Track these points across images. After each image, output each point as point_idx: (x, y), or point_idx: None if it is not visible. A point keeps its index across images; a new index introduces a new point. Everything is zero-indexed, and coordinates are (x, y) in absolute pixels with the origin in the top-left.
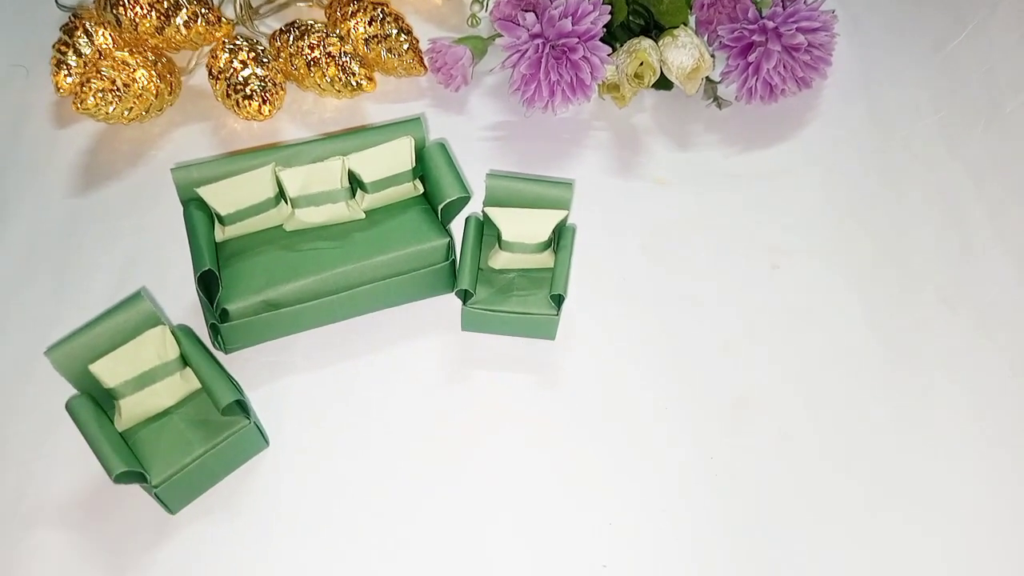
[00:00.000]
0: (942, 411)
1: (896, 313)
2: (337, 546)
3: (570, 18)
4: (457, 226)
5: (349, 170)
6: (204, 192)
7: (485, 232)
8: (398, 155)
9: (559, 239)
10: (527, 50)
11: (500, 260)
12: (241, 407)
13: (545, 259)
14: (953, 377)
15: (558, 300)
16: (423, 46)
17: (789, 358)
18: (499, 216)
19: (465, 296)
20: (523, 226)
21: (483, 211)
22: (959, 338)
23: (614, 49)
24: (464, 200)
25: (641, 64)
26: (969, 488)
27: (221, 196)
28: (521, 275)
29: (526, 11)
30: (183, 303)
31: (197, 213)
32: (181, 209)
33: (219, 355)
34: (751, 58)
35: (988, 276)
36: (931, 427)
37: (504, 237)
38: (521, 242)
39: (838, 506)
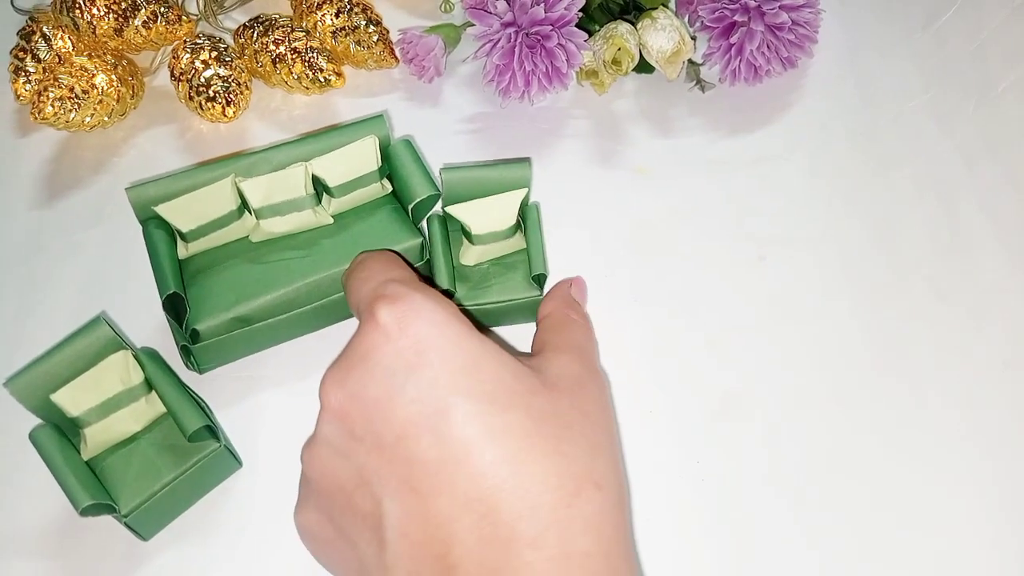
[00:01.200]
0: (934, 405)
1: (886, 304)
2: (315, 565)
3: (543, 4)
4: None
5: (313, 175)
6: (163, 210)
7: (449, 228)
8: (363, 156)
9: (524, 219)
10: (499, 39)
11: (472, 255)
12: (210, 431)
13: (515, 243)
14: (945, 370)
15: (540, 280)
16: (394, 37)
17: (777, 352)
18: (461, 212)
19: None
20: (488, 215)
21: (443, 210)
22: (951, 329)
23: (592, 33)
24: (434, 198)
25: (619, 50)
26: (962, 484)
27: (181, 212)
28: (494, 263)
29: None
30: (153, 320)
31: (157, 232)
32: None
33: (192, 375)
34: (733, 39)
35: (980, 265)
36: (922, 421)
37: (473, 231)
38: (491, 231)
39: (827, 505)
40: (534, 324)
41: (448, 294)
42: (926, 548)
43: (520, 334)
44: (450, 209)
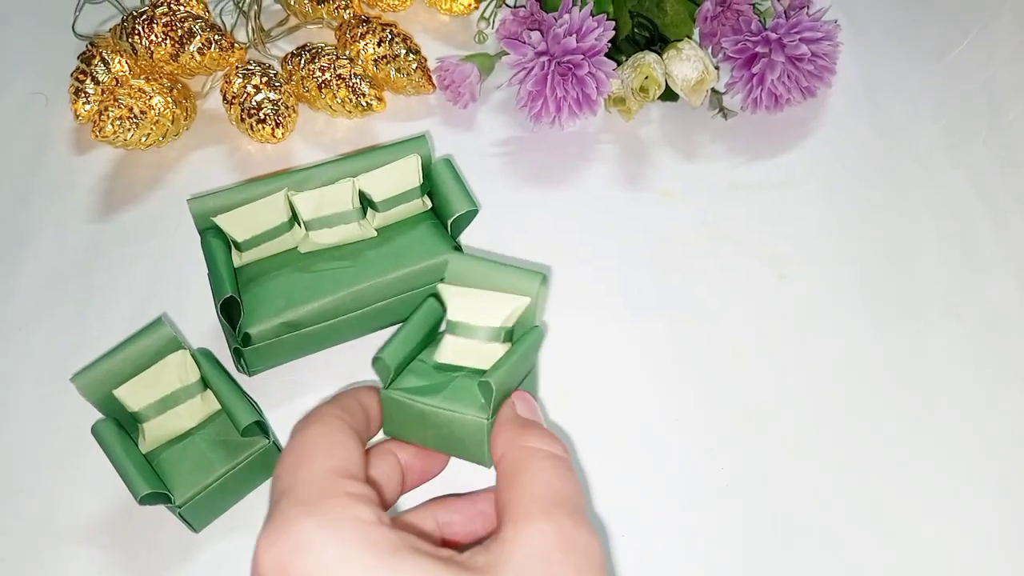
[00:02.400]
0: (949, 418)
1: (902, 323)
2: None
3: (575, 35)
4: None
5: (359, 190)
6: (220, 220)
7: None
8: (406, 173)
9: (516, 336)
10: (533, 67)
11: (447, 349)
12: (260, 427)
13: (499, 353)
14: (959, 384)
15: (486, 390)
16: (431, 64)
17: (797, 368)
18: (451, 294)
19: (390, 375)
20: (474, 305)
21: (438, 290)
22: (964, 346)
23: (620, 63)
24: (472, 213)
25: (646, 78)
26: (979, 497)
27: (237, 223)
28: (466, 376)
29: (531, 30)
30: (204, 325)
31: (214, 241)
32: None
33: (242, 377)
34: (755, 69)
35: (992, 284)
36: (938, 433)
37: (450, 317)
38: (466, 323)
39: (849, 514)
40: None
41: (394, 373)
42: (944, 556)
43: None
44: (443, 287)
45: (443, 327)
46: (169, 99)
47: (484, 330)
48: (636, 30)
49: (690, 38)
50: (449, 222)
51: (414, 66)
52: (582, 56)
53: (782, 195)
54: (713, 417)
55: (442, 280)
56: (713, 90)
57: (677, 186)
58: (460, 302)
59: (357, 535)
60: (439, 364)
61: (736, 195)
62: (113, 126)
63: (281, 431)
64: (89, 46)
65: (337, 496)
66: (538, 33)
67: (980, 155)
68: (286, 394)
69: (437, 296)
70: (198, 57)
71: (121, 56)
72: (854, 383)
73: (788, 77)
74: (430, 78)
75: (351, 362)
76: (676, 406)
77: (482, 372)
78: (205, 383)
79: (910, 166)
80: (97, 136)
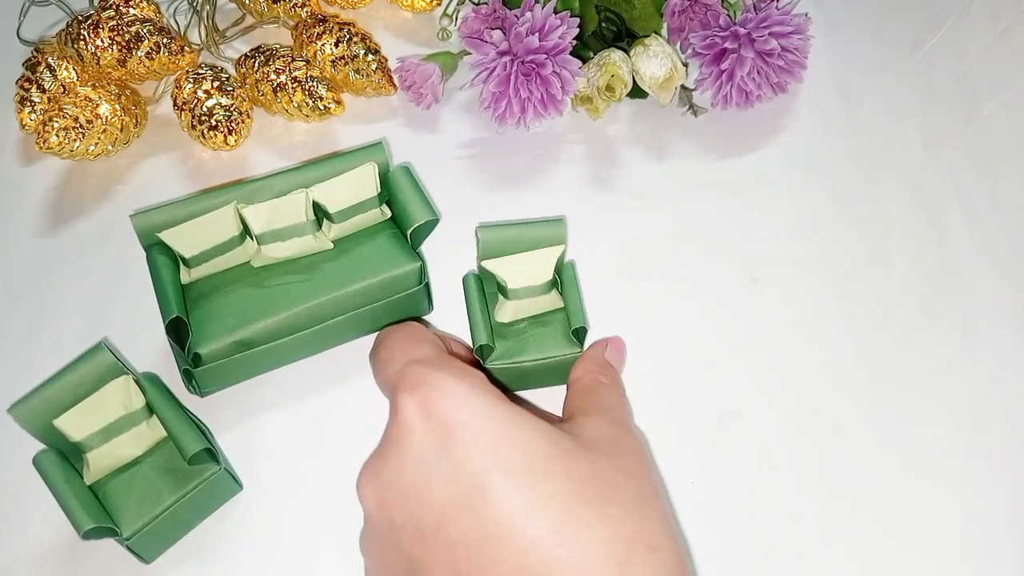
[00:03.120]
0: (925, 422)
1: (878, 324)
2: None
3: (537, 34)
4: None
5: (313, 201)
6: (166, 236)
7: (485, 288)
8: (362, 182)
9: (561, 276)
10: (495, 67)
11: (508, 311)
12: (210, 454)
13: (550, 301)
14: (936, 388)
15: (580, 334)
16: (392, 64)
17: (771, 372)
18: (497, 267)
19: (483, 352)
20: (524, 270)
21: (479, 266)
22: (941, 348)
23: (586, 59)
24: (433, 223)
25: (612, 77)
26: (954, 499)
27: (184, 239)
28: (531, 322)
29: (493, 29)
30: (156, 343)
31: (161, 258)
32: None
33: (194, 398)
34: (724, 65)
35: (968, 283)
36: (914, 438)
37: (509, 286)
38: (527, 286)
39: (823, 524)
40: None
41: (488, 349)
42: (920, 563)
43: (556, 398)
44: (486, 263)
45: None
46: (117, 106)
47: (540, 287)
48: (603, 24)
49: (658, 33)
50: (409, 232)
51: (374, 67)
52: (545, 55)
53: (754, 195)
54: (683, 427)
55: (480, 257)
56: (682, 87)
57: (647, 187)
58: (512, 270)
59: (483, 383)
60: (502, 324)
61: (707, 195)
62: (58, 137)
63: (236, 453)
64: (35, 52)
65: (456, 363)
66: (500, 32)
67: (955, 151)
68: (241, 415)
69: (471, 276)
70: (147, 62)
71: (68, 62)
72: (829, 387)
73: (758, 73)
74: (391, 79)
75: (310, 379)
76: (644, 416)
77: (540, 317)
78: (151, 409)
79: (884, 164)
80: (42, 147)
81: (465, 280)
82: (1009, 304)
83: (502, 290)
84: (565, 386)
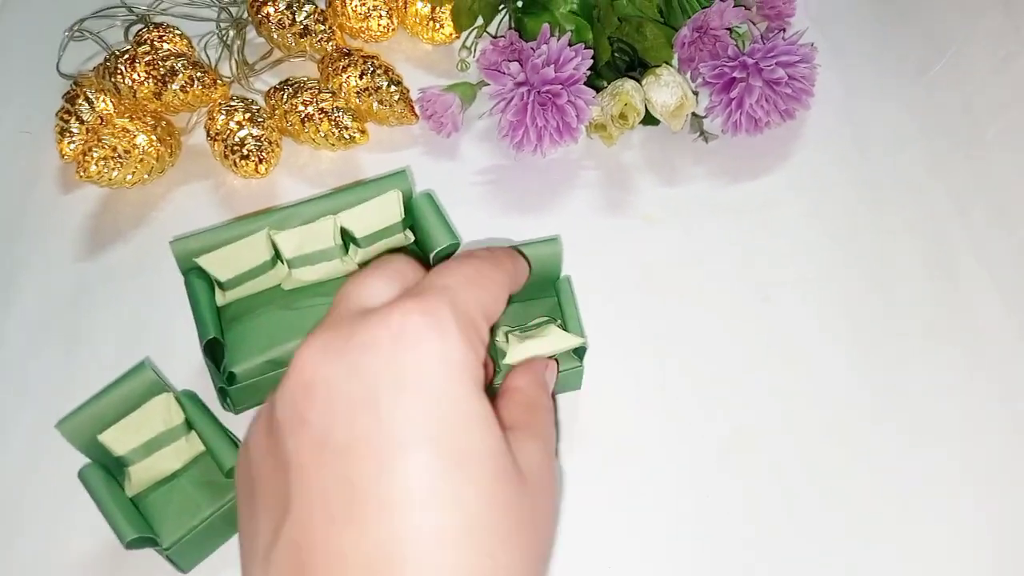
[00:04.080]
0: (929, 442)
1: (883, 343)
2: None
3: (553, 65)
4: None
5: (341, 227)
6: (203, 261)
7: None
8: (387, 209)
9: (559, 293)
10: (513, 98)
11: (516, 354)
12: None
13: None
14: (940, 407)
15: (580, 352)
16: (414, 94)
17: (782, 390)
18: (510, 347)
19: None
20: (534, 348)
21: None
22: (945, 369)
23: (600, 88)
24: (454, 247)
25: (625, 105)
26: (959, 518)
27: (220, 263)
28: (530, 337)
29: (510, 60)
30: (191, 363)
31: (198, 281)
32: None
33: (229, 415)
34: (733, 94)
35: (972, 305)
36: (919, 457)
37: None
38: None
39: (833, 539)
40: (570, 393)
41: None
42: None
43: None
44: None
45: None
46: (153, 137)
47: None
48: (616, 55)
49: (669, 63)
50: (432, 256)
51: (396, 97)
52: (561, 85)
53: (764, 217)
54: (696, 443)
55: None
56: (693, 114)
57: (659, 210)
58: (517, 352)
59: (476, 362)
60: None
61: (718, 218)
62: (97, 166)
63: None
64: (73, 85)
65: (471, 319)
66: (517, 64)
67: (960, 175)
68: None
69: None
70: (181, 95)
71: (105, 95)
72: (839, 406)
73: (766, 100)
74: (412, 109)
75: None
76: (658, 432)
77: (539, 330)
78: (189, 425)
79: (891, 186)
80: (81, 176)
81: None
82: (1011, 325)
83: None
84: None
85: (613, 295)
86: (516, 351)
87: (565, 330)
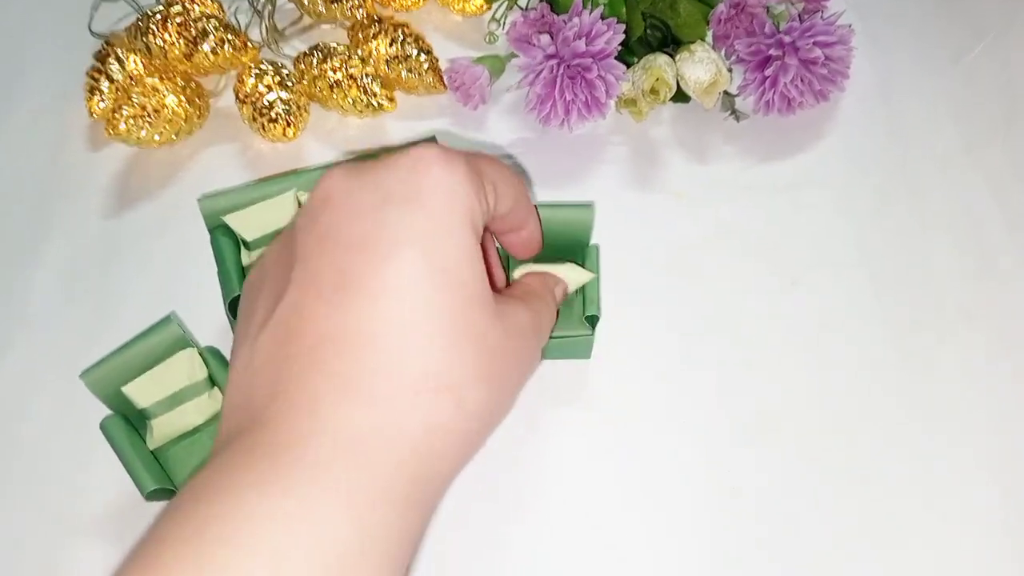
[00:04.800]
0: (961, 427)
1: (916, 329)
2: None
3: (584, 38)
4: None
5: None
6: (230, 219)
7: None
8: None
9: (584, 261)
10: (542, 70)
11: None
12: None
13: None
14: (973, 393)
15: (592, 320)
16: (443, 65)
17: (808, 373)
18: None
19: None
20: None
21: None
22: (978, 353)
23: (631, 65)
24: None
25: (657, 80)
26: (995, 506)
27: (246, 222)
28: None
29: (541, 32)
30: (215, 322)
31: (224, 239)
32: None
33: None
34: (768, 72)
35: (1008, 290)
36: (950, 443)
37: None
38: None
39: (859, 522)
40: (583, 361)
41: None
42: (960, 566)
43: (567, 369)
44: (521, 268)
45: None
46: (182, 97)
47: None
48: (648, 32)
49: (703, 40)
50: None
51: (426, 67)
52: (591, 59)
53: (795, 197)
54: (720, 423)
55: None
56: (725, 92)
57: (688, 188)
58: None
59: (478, 215)
60: None
61: (748, 197)
62: (127, 124)
63: None
64: (104, 45)
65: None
66: (548, 36)
67: (997, 159)
68: None
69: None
70: (211, 56)
71: (136, 55)
72: (866, 390)
73: (801, 80)
74: (441, 79)
75: None
76: (682, 409)
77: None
78: (213, 381)
79: (925, 170)
80: (111, 134)
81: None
82: None
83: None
84: (581, 359)
85: (638, 270)
86: (528, 268)
87: (583, 295)
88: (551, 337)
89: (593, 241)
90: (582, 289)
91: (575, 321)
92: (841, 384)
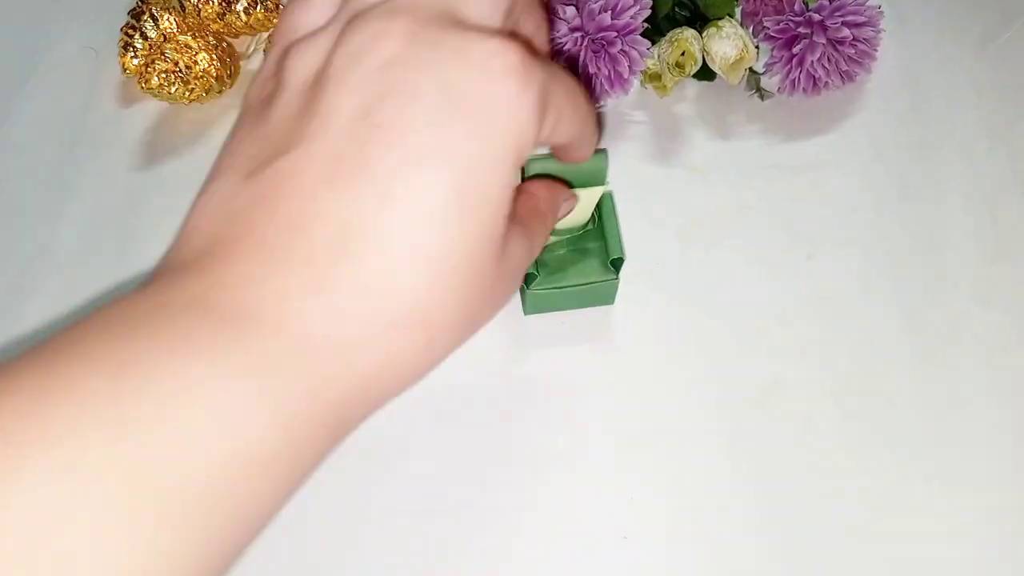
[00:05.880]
0: (971, 407)
1: (929, 308)
2: (342, 511)
3: (609, 12)
4: None
5: None
6: None
7: None
8: None
9: (600, 207)
10: (566, 43)
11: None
12: None
13: (590, 236)
14: (983, 373)
15: (617, 264)
16: None
17: (819, 346)
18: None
19: (527, 280)
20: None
21: None
22: (992, 335)
23: (656, 42)
24: None
25: (683, 54)
26: (996, 482)
27: None
28: (571, 250)
29: (567, 4)
30: None
31: None
32: None
33: None
34: (795, 50)
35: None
36: (959, 421)
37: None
38: (567, 227)
39: (861, 493)
40: (607, 307)
41: (531, 276)
42: (961, 537)
43: (592, 319)
44: None
45: None
46: (214, 56)
47: (576, 228)
48: (676, 8)
49: (731, 17)
50: None
51: None
52: (616, 34)
53: (815, 176)
54: (729, 393)
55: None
56: (751, 70)
57: (709, 164)
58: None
59: (528, 142)
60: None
61: (768, 174)
62: (159, 78)
63: None
64: (139, 2)
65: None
66: (573, 8)
67: (1021, 147)
68: None
69: None
70: (244, 17)
71: (169, 13)
72: (877, 366)
73: (828, 60)
74: None
75: None
76: (692, 378)
77: (578, 244)
78: None
79: (947, 153)
80: (143, 87)
81: None
82: None
83: None
84: (606, 306)
85: (655, 243)
86: (543, 165)
87: (606, 246)
88: (575, 286)
89: (609, 188)
90: (603, 235)
91: (599, 267)
92: (851, 357)
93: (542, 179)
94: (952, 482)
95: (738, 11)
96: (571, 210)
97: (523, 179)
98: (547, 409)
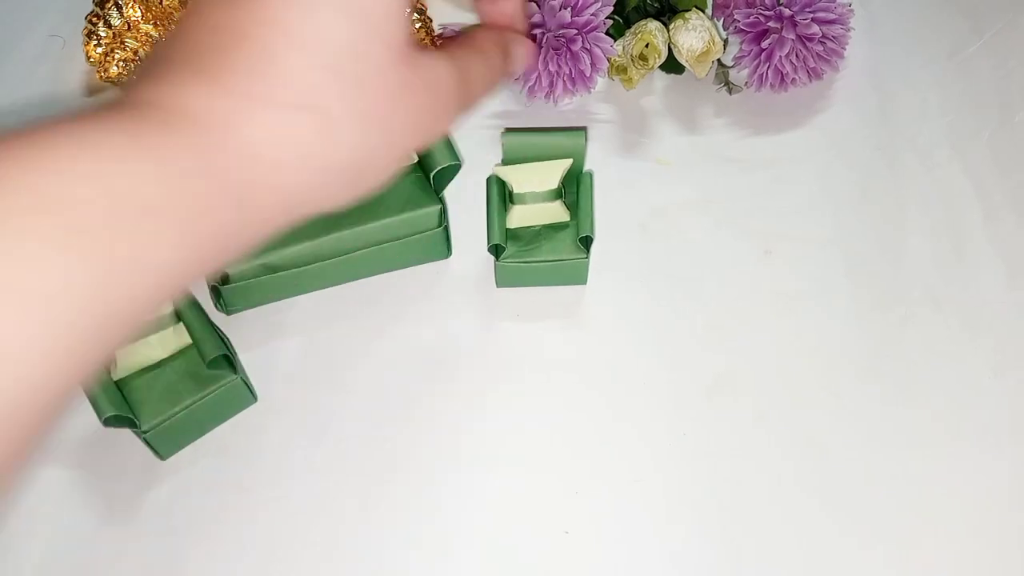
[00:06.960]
0: (919, 405)
1: (883, 307)
2: (320, 499)
3: (570, 8)
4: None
5: None
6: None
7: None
8: None
9: (578, 185)
10: None
11: (515, 217)
12: (228, 362)
13: (557, 211)
14: (934, 374)
15: (586, 242)
16: (436, 29)
17: (772, 341)
18: (507, 173)
19: (497, 251)
20: (532, 178)
21: (495, 172)
22: (943, 336)
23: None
24: (455, 168)
25: (646, 46)
26: (943, 481)
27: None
28: (545, 227)
29: (529, 0)
30: None
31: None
32: None
33: (220, 316)
34: (764, 44)
35: (977, 279)
36: (907, 420)
37: (515, 190)
38: (532, 192)
39: (804, 487)
40: (579, 287)
41: (499, 249)
42: (907, 537)
43: (565, 298)
44: (497, 170)
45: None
46: None
47: (544, 195)
48: (646, 1)
49: (700, 9)
50: (432, 174)
51: (418, 26)
52: (576, 31)
53: (777, 172)
54: (680, 383)
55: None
56: (720, 63)
57: (675, 157)
58: (520, 176)
59: None
60: (512, 229)
61: (731, 169)
62: (118, 67)
63: (255, 369)
64: None
65: None
66: (534, 4)
67: (981, 153)
68: (263, 336)
69: (494, 177)
70: None
71: (135, 2)
72: (828, 362)
73: (796, 56)
74: (434, 41)
75: (330, 310)
76: (645, 367)
77: (553, 224)
78: (178, 316)
79: (909, 158)
80: (102, 77)
81: (487, 183)
82: (1013, 301)
83: (509, 195)
84: (577, 286)
85: (616, 234)
86: (506, 173)
87: (577, 225)
88: (544, 261)
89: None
90: (576, 212)
91: (570, 245)
92: (803, 353)
93: (490, 32)
94: (898, 476)
95: (710, 3)
96: (525, 58)
97: (503, 152)
98: (500, 388)
